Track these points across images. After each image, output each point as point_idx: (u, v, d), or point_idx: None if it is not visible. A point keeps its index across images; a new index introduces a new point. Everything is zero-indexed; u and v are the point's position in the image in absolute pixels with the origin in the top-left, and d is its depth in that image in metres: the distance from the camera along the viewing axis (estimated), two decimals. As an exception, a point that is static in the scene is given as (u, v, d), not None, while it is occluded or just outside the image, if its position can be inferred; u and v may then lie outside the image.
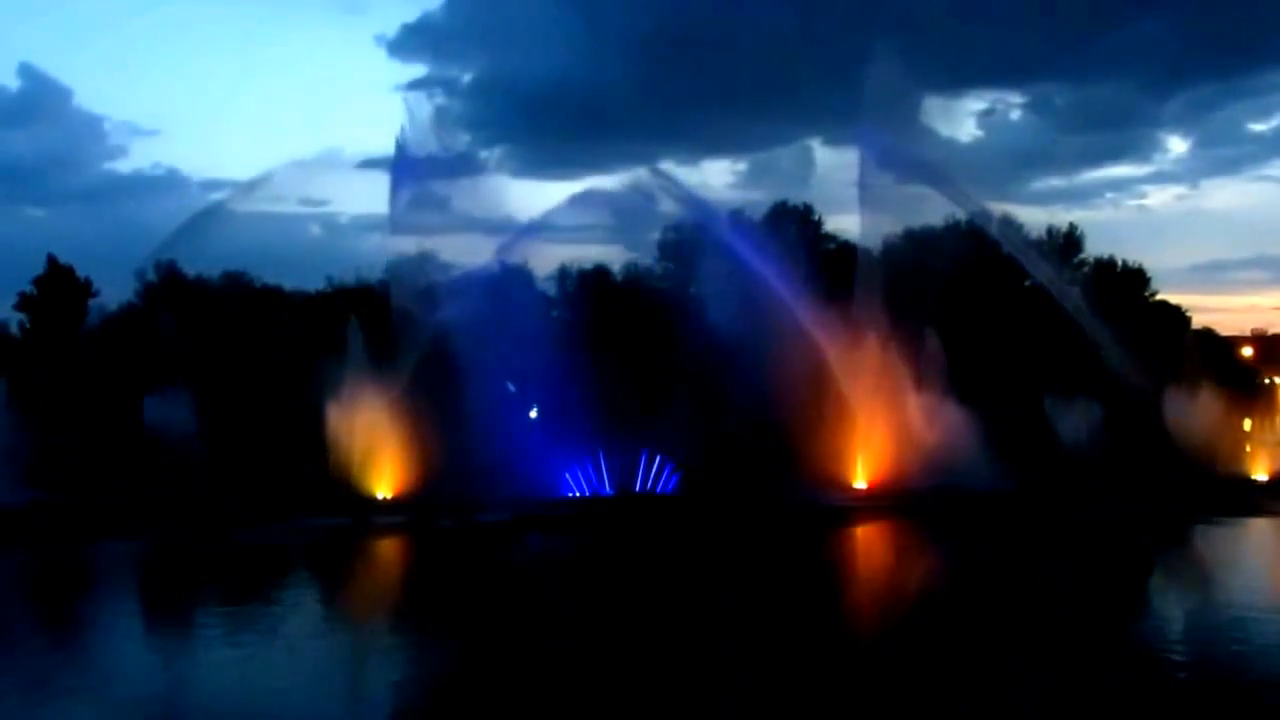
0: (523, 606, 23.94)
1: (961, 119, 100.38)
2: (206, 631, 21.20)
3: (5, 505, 33.77)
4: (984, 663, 18.12)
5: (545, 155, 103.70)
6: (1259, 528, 35.50)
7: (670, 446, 38.43)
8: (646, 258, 51.34)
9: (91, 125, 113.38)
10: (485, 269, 43.82)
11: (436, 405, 36.85)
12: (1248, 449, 46.31)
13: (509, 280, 44.26)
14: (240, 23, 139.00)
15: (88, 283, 53.82)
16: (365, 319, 40.09)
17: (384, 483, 37.07)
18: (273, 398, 42.10)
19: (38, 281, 52.93)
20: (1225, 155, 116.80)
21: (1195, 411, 42.90)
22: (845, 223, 54.89)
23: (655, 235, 51.45)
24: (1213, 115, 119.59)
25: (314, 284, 55.45)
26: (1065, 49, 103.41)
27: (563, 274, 50.26)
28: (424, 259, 51.22)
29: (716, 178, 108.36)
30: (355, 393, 37.89)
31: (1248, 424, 48.28)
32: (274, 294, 53.91)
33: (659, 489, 37.87)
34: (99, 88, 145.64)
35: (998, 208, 49.35)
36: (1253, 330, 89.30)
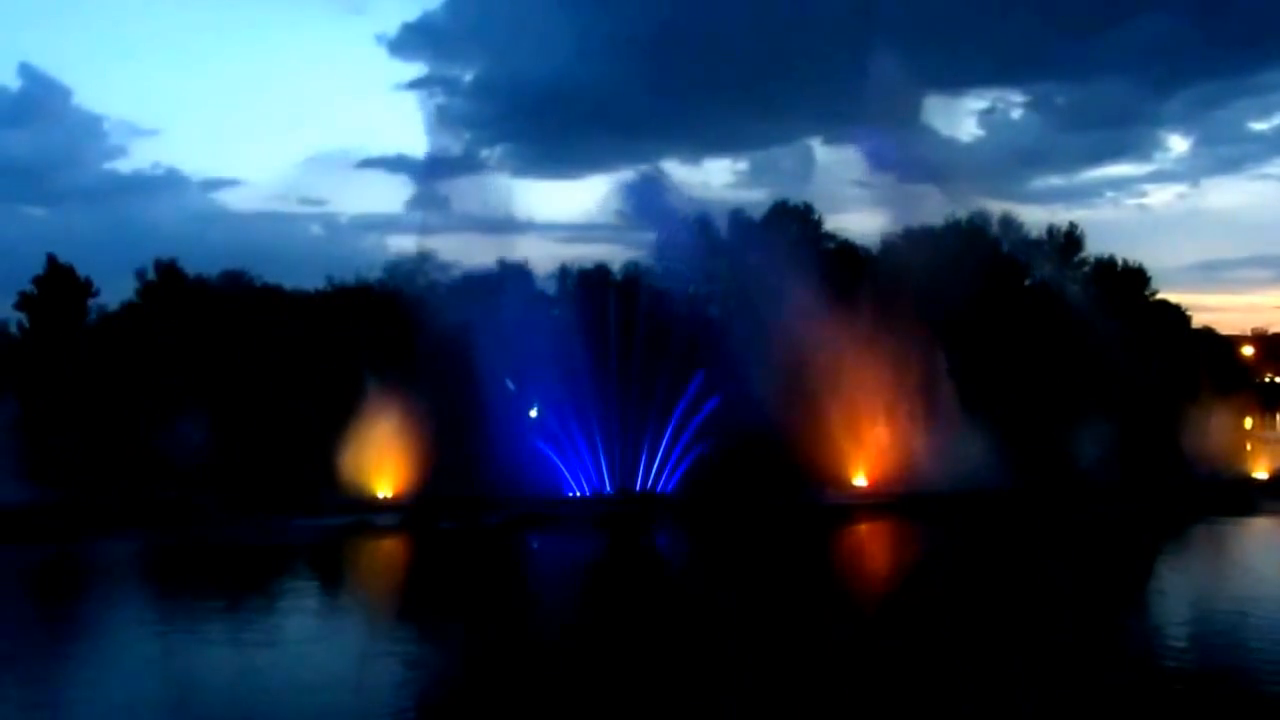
0: (521, 606, 23.99)
1: (962, 118, 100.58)
2: (219, 635, 21.15)
3: (5, 504, 33.80)
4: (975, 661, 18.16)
5: (546, 154, 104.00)
6: (1258, 527, 35.46)
7: (673, 445, 38.40)
8: (648, 256, 51.31)
9: (91, 125, 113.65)
10: (510, 269, 44.14)
11: (440, 404, 36.86)
12: (1248, 448, 46.31)
13: (515, 279, 44.33)
14: (240, 22, 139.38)
15: (88, 282, 53.83)
16: (365, 318, 40.12)
17: (385, 482, 37.03)
18: (275, 397, 42.11)
19: (38, 281, 52.92)
20: (1226, 154, 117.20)
21: (1200, 414, 42.88)
22: (845, 221, 55.02)
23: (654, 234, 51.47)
24: (1213, 114, 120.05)
25: (314, 283, 55.56)
26: (1066, 48, 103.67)
27: (563, 272, 50.31)
28: (424, 258, 51.29)
29: (717, 176, 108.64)
30: (361, 392, 37.97)
31: (1248, 423, 48.29)
32: (274, 293, 53.94)
33: (660, 488, 37.83)
34: (99, 87, 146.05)
35: (997, 207, 49.41)
36: (1253, 329, 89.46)
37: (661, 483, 37.87)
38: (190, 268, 53.78)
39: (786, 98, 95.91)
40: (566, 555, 31.76)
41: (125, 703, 16.50)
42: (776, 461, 37.39)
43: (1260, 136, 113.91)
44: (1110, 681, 16.65)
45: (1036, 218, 64.62)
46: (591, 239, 74.25)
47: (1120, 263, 55.78)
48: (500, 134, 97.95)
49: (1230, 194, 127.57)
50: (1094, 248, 55.41)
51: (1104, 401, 41.56)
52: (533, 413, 38.54)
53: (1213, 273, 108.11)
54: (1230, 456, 43.44)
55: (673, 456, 38.06)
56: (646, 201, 44.58)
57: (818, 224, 54.47)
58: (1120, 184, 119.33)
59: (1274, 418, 62.19)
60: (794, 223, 53.96)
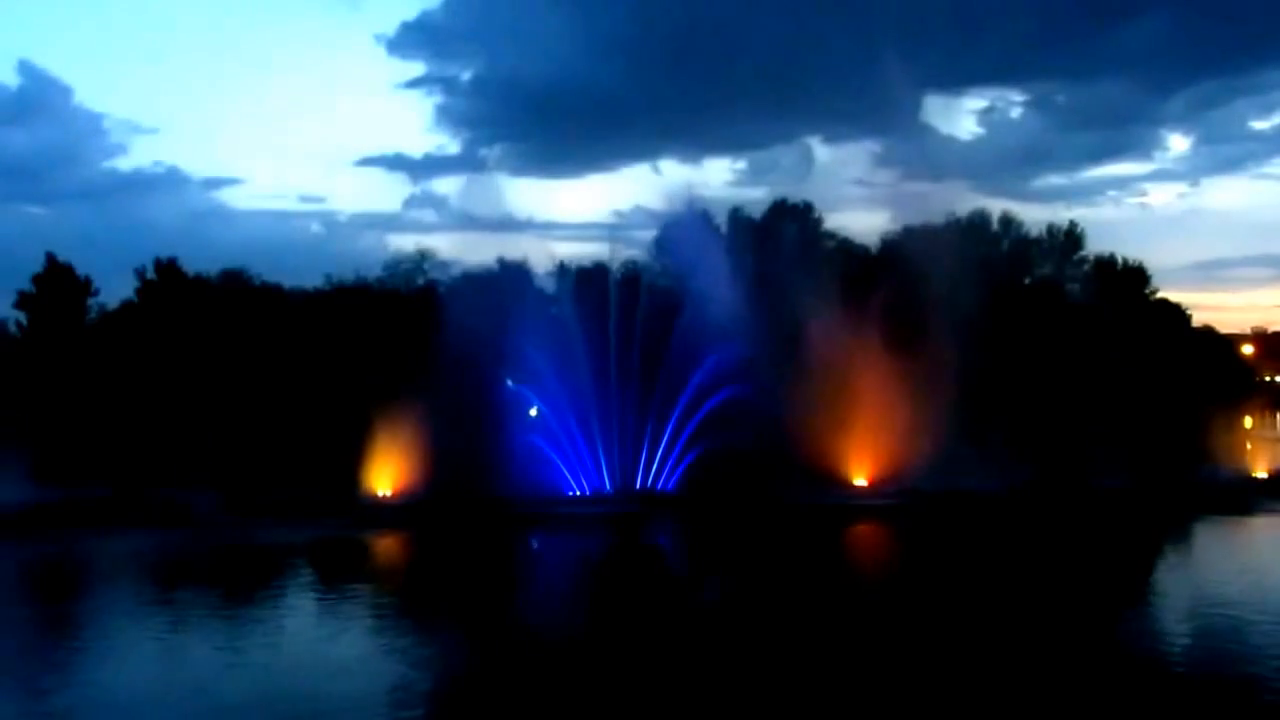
0: (518, 606, 23.98)
1: (962, 117, 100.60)
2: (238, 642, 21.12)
3: (7, 503, 33.84)
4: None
5: (545, 153, 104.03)
6: (1257, 527, 35.45)
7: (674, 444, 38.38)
8: (647, 255, 51.31)
9: (91, 123, 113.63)
10: (509, 267, 44.07)
11: (439, 403, 36.88)
12: (1248, 447, 46.32)
13: (514, 278, 44.31)
14: (240, 21, 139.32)
15: (87, 281, 53.84)
16: (364, 317, 40.09)
17: (384, 481, 37.02)
18: (274, 396, 42.10)
19: (37, 280, 52.91)
20: (1226, 153, 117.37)
21: (1199, 412, 42.89)
22: (845, 220, 55.06)
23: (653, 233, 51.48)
24: (1214, 113, 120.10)
25: (313, 282, 55.57)
26: (1066, 47, 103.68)
27: (562, 271, 50.24)
28: (423, 256, 51.23)
29: (717, 175, 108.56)
30: (360, 391, 37.95)
31: (1248, 422, 48.30)
32: (273, 292, 53.95)
33: (660, 487, 37.81)
34: (99, 85, 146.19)
35: (998, 205, 49.42)
36: (1253, 328, 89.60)
37: (662, 481, 37.84)
38: (190, 266, 53.84)
39: (786, 97, 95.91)
40: (566, 554, 31.74)
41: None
42: (776, 460, 37.39)
43: (1260, 136, 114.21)
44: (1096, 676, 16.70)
45: (1037, 216, 64.71)
46: (591, 238, 74.36)
47: (1120, 261, 55.81)
48: (499, 133, 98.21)
49: (1230, 193, 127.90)
50: (1094, 247, 55.48)
51: (1104, 400, 41.57)
52: (532, 411, 38.50)
53: (1213, 272, 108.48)
54: (1230, 455, 43.45)
55: (673, 455, 38.03)
56: (686, 237, 44.23)
57: (818, 223, 54.49)
58: (1121, 183, 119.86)
59: (1274, 417, 62.23)
60: (794, 221, 53.98)
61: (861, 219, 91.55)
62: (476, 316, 37.92)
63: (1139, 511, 35.57)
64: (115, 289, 54.52)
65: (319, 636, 21.04)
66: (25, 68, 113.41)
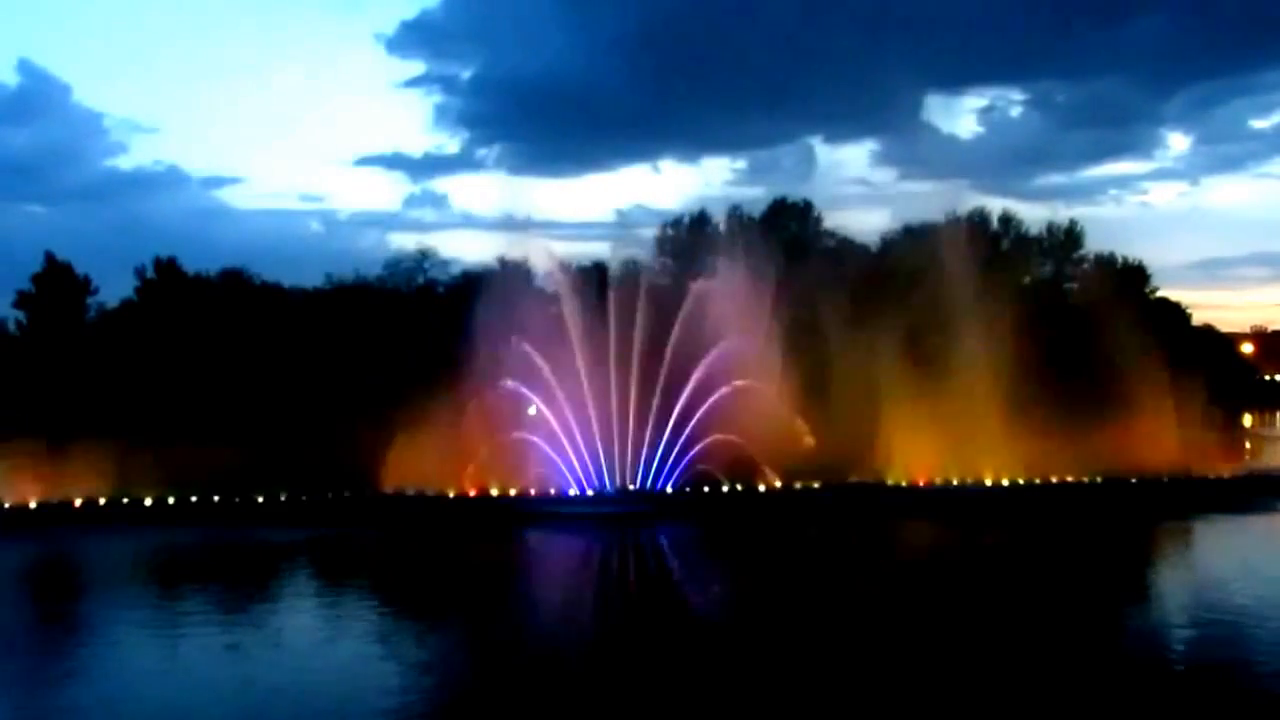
0: (517, 605, 23.99)
1: (963, 116, 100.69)
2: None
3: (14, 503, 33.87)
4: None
5: (545, 153, 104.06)
6: (1256, 525, 35.42)
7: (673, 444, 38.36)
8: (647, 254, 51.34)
9: (91, 121, 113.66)
10: (509, 266, 43.87)
11: (439, 402, 36.83)
12: (1248, 445, 46.29)
13: (514, 277, 44.24)
14: (239, 20, 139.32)
15: (86, 280, 53.77)
16: (364, 316, 40.05)
17: (384, 479, 37.00)
18: (273, 395, 42.06)
19: (36, 279, 52.86)
20: (1227, 152, 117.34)
21: (1199, 411, 42.77)
22: (845, 219, 55.09)
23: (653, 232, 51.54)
24: (1214, 112, 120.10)
25: (313, 280, 55.57)
26: (1067, 46, 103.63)
27: (562, 269, 50.15)
28: (423, 255, 51.19)
29: (716, 175, 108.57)
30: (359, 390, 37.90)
31: (1248, 420, 48.28)
32: (273, 291, 53.95)
33: (660, 486, 37.77)
34: (98, 84, 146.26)
35: (998, 204, 49.41)
36: (1253, 327, 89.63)
37: (662, 481, 37.80)
38: (190, 265, 53.83)
39: (786, 96, 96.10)
40: (565, 553, 31.70)
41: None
42: (776, 460, 37.40)
43: (1260, 135, 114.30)
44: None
45: (1037, 215, 64.61)
46: (591, 237, 74.42)
47: (1120, 260, 55.81)
48: (499, 133, 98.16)
49: (1231, 192, 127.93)
50: (1095, 245, 55.51)
51: (1104, 399, 41.48)
52: (531, 410, 38.44)
53: (1213, 270, 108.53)
54: (1229, 454, 43.41)
55: (673, 455, 37.98)
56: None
57: (817, 221, 54.53)
58: (1121, 182, 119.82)
59: (1273, 415, 62.18)
60: (793, 220, 54.03)
61: (861, 218, 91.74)
62: (476, 315, 37.92)
63: (1139, 510, 35.57)
64: (115, 288, 54.56)
65: (316, 641, 21.11)
66: (25, 67, 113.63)
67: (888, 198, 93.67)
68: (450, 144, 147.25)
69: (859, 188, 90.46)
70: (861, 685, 17.02)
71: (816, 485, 37.82)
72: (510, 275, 45.11)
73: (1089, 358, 42.11)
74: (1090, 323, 43.47)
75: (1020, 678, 17.16)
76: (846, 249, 51.82)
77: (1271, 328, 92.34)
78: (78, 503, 34.98)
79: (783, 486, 37.38)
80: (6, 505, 34.41)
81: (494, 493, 36.36)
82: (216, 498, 35.80)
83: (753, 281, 39.64)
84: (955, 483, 38.25)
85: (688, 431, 37.71)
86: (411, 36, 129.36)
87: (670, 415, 37.72)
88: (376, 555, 31.01)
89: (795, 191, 67.52)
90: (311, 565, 29.58)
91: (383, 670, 18.40)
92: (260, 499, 35.83)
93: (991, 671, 17.60)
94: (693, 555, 31.38)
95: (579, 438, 37.58)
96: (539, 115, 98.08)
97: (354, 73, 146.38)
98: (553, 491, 37.05)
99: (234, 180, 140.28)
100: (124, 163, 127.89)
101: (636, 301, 38.38)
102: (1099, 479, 37.91)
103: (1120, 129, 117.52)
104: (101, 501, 35.21)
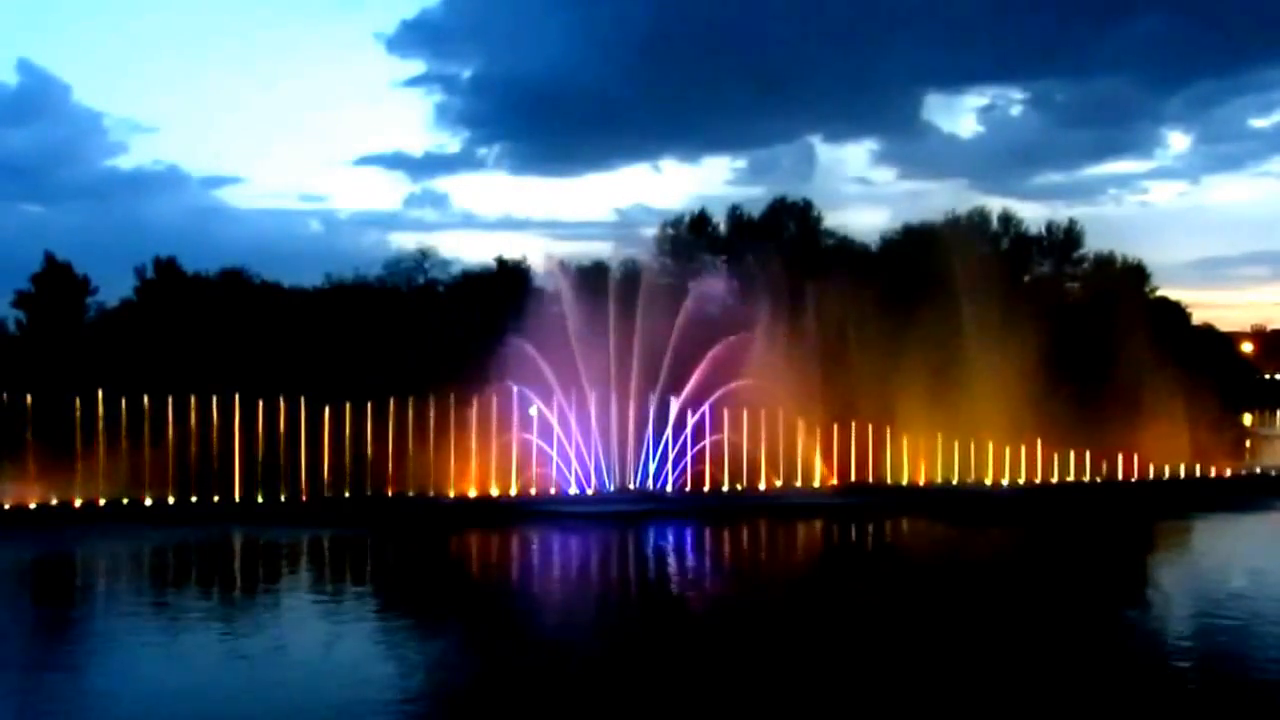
0: (515, 604, 24.01)
1: (962, 115, 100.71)
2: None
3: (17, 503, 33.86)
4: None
5: (545, 153, 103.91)
6: (1255, 523, 35.45)
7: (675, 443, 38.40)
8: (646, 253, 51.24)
9: (91, 121, 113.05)
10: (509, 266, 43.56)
11: (439, 402, 36.80)
12: (1248, 444, 46.28)
13: (514, 276, 44.20)
14: (239, 19, 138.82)
15: (86, 280, 53.64)
16: (364, 316, 39.97)
17: (384, 479, 36.98)
18: (273, 395, 41.98)
19: (36, 279, 52.76)
20: (1227, 151, 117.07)
21: (1199, 410, 42.77)
22: (845, 219, 55.04)
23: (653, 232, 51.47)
24: (1214, 111, 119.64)
25: (313, 280, 55.49)
26: (1066, 45, 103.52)
27: (561, 269, 50.13)
28: (423, 255, 51.26)
29: (716, 174, 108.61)
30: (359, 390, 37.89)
31: (1248, 419, 48.27)
32: (273, 290, 53.85)
33: (660, 485, 37.80)
34: (98, 84, 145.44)
35: (998, 203, 49.37)
36: (1253, 326, 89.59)
37: (662, 480, 37.83)
38: (189, 265, 53.67)
39: (787, 96, 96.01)
40: (564, 552, 31.70)
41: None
42: (775, 459, 37.41)
43: (1260, 134, 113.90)
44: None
45: (1037, 214, 64.64)
46: (591, 237, 74.37)
47: (1120, 259, 55.67)
48: (499, 132, 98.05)
49: (1231, 191, 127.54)
50: (1094, 244, 55.34)
51: (1103, 398, 41.49)
52: (532, 410, 38.46)
53: (1213, 269, 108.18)
54: (1229, 453, 43.40)
55: (673, 454, 38.01)
56: None
57: (817, 221, 54.42)
58: (1121, 181, 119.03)
59: (1273, 414, 62.17)
60: (793, 219, 53.95)
61: (861, 217, 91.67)
62: (476, 315, 37.94)
63: (1139, 509, 35.56)
64: (115, 288, 54.40)
65: (316, 641, 21.08)
66: (25, 67, 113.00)
67: (888, 197, 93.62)
68: (451, 144, 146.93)
69: (859, 187, 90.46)
70: (862, 685, 17.04)
71: (816, 484, 37.86)
72: (510, 274, 45.07)
73: (1088, 358, 42.13)
74: (1090, 323, 43.49)
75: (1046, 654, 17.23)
76: (846, 248, 51.77)
77: (1271, 327, 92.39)
78: (78, 503, 35.00)
79: (782, 485, 37.42)
80: (6, 506, 34.41)
81: (494, 493, 36.40)
82: (216, 498, 35.83)
83: (752, 281, 39.69)
84: (955, 483, 38.32)
85: (687, 431, 37.76)
86: (412, 36, 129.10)
87: (670, 415, 37.76)
88: (377, 555, 31.02)
89: (795, 191, 67.57)
90: (312, 565, 29.58)
91: (384, 670, 18.40)
92: (260, 499, 35.85)
93: (994, 666, 17.67)
94: (692, 554, 31.41)
95: (579, 437, 37.61)
96: (539, 115, 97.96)
97: (354, 72, 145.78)
98: (553, 491, 37.11)
99: (234, 180, 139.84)
100: (124, 163, 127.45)
101: (636, 301, 38.39)
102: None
103: (1120, 128, 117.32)
104: (101, 502, 35.24)
